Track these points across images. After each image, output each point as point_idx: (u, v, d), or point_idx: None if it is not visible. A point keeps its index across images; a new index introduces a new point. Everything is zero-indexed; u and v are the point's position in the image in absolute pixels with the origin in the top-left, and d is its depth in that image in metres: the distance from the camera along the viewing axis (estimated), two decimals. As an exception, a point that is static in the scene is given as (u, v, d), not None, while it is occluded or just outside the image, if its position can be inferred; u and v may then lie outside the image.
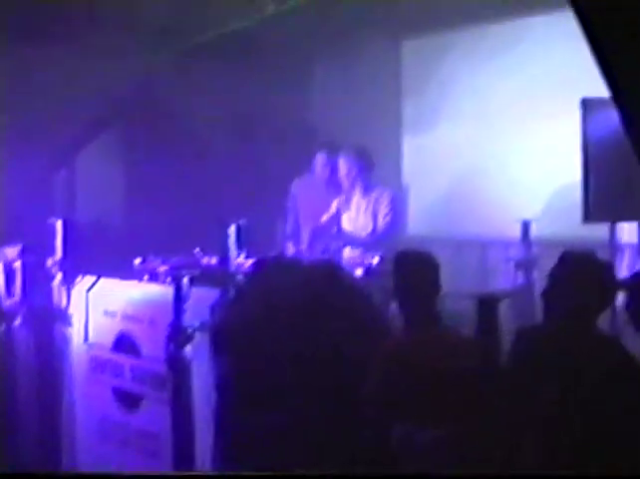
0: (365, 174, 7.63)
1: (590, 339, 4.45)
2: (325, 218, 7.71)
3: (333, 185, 7.92)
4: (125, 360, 6.18)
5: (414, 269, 5.03)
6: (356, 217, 7.65)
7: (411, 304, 5.05)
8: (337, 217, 7.70)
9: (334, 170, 7.84)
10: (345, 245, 7.19)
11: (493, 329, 4.43)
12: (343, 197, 7.75)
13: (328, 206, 7.75)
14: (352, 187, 7.66)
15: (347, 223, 7.68)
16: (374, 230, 7.54)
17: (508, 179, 7.79)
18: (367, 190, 7.64)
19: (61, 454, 6.68)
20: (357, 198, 7.68)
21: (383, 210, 7.56)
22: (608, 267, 4.58)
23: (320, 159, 8.08)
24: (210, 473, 5.31)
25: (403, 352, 4.93)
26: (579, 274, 4.46)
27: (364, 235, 7.54)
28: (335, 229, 7.58)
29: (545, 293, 4.54)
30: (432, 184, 8.33)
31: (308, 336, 5.09)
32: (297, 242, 7.97)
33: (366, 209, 7.62)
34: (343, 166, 7.67)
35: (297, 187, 8.31)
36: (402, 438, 4.73)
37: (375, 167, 7.67)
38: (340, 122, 8.49)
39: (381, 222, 7.55)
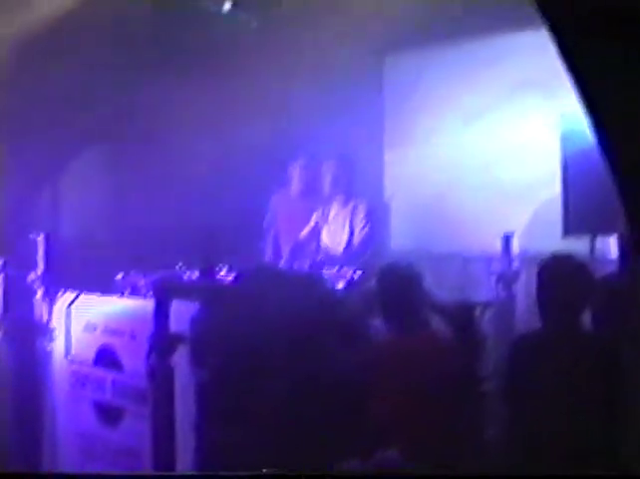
0: (347, 181, 7.57)
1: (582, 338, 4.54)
2: (304, 232, 7.67)
3: (312, 196, 7.83)
4: (106, 374, 6.18)
5: (398, 282, 5.10)
6: (334, 229, 7.59)
7: (394, 316, 5.12)
8: (316, 231, 7.64)
9: (314, 179, 7.75)
10: (323, 261, 7.17)
11: (472, 338, 4.48)
12: (321, 210, 7.69)
13: (307, 220, 7.71)
14: (333, 195, 7.59)
15: (326, 236, 7.63)
16: (350, 242, 7.50)
17: (489, 193, 7.81)
18: (347, 199, 7.57)
19: (41, 469, 6.65)
20: (336, 208, 7.61)
21: (360, 222, 7.51)
22: (585, 266, 4.71)
23: (299, 168, 7.95)
24: (208, 473, 5.28)
25: (389, 362, 4.98)
26: (562, 276, 4.56)
27: (341, 248, 7.50)
28: (314, 244, 7.55)
29: (539, 298, 4.64)
30: (413, 198, 8.34)
31: (290, 348, 5.10)
32: (277, 259, 7.90)
33: (343, 220, 7.57)
34: (326, 171, 7.61)
35: (275, 203, 8.16)
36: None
37: (357, 175, 7.63)
38: (320, 135, 8.50)
39: (357, 234, 7.51)
